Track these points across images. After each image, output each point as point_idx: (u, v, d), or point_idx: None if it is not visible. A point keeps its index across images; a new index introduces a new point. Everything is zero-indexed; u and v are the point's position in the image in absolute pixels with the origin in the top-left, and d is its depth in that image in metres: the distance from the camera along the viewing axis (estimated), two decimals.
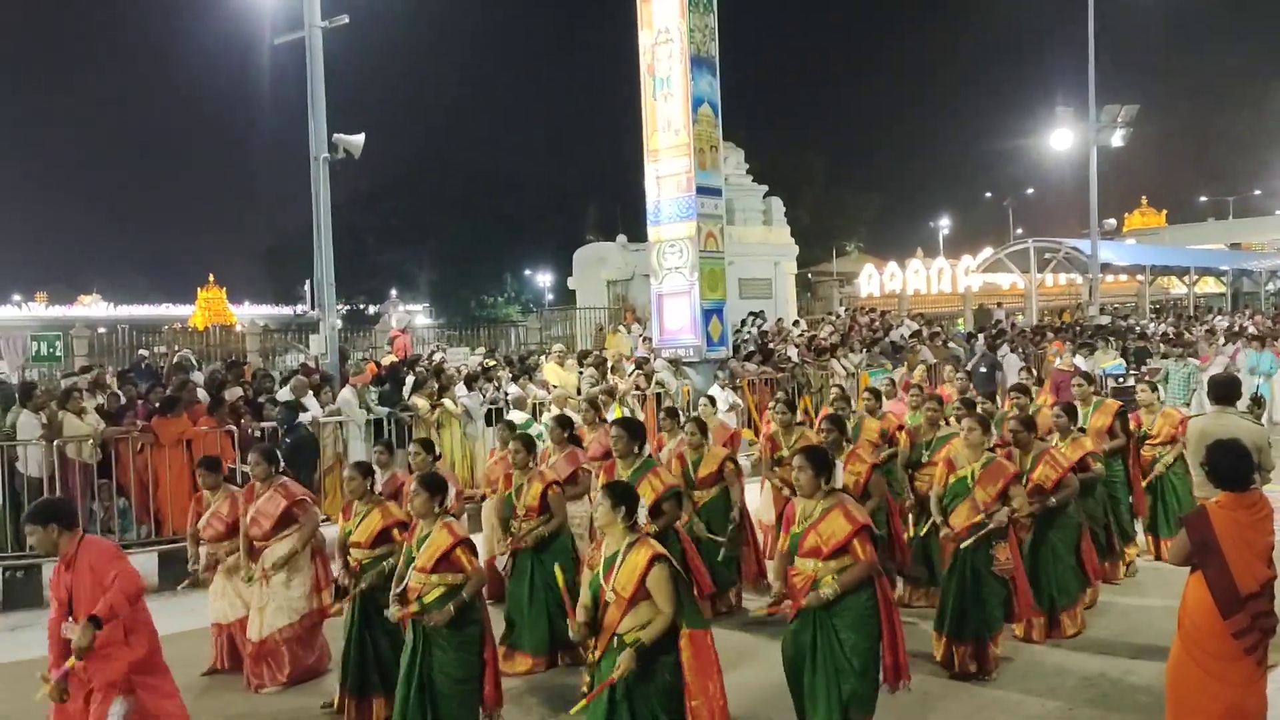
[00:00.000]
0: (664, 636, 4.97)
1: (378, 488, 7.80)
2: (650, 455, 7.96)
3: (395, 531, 6.78)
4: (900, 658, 5.65)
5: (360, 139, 13.98)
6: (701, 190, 16.47)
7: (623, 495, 5.22)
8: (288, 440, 11.27)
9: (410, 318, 29.55)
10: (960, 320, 33.44)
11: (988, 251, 37.80)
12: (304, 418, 12.23)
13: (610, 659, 5.02)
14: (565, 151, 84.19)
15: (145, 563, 11.05)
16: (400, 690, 5.83)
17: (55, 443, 10.94)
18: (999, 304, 33.97)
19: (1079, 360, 16.01)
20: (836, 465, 5.77)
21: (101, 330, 24.94)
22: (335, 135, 14.05)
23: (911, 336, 21.96)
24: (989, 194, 67.87)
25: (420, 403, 12.90)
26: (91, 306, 72.94)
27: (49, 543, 5.42)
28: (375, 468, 8.49)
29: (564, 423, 9.04)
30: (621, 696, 4.96)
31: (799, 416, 9.81)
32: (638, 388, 14.92)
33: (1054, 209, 58.20)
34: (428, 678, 5.74)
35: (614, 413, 12.57)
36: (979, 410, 8.86)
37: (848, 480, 8.10)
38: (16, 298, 75.55)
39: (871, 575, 5.60)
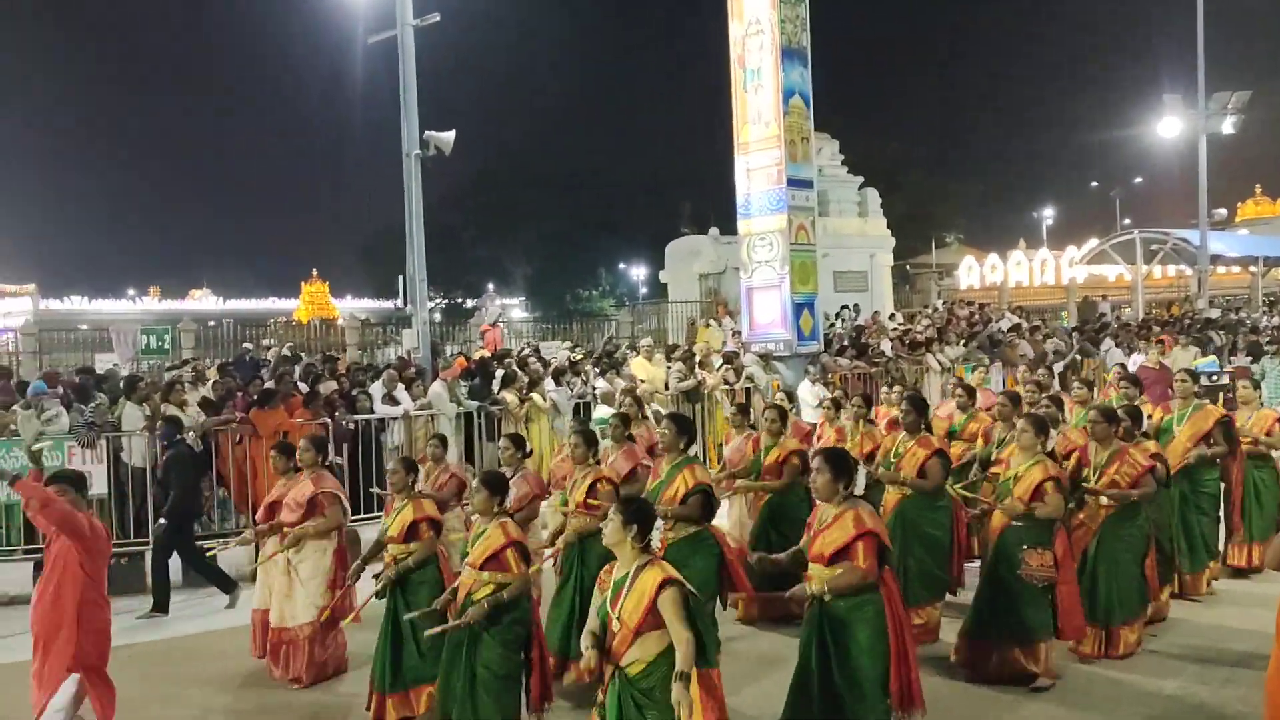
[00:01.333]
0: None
1: (422, 483, 7.93)
2: (694, 454, 7.63)
3: (423, 526, 6.89)
4: (910, 683, 5.39)
5: (450, 136, 14.14)
6: (792, 182, 16.29)
7: (635, 512, 4.79)
8: (165, 455, 10.41)
9: (501, 312, 29.85)
10: (1064, 313, 32.62)
11: (1093, 242, 36.82)
12: (395, 410, 12.44)
13: (613, 694, 4.66)
14: (659, 144, 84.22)
15: (246, 552, 11.39)
16: (442, 680, 5.90)
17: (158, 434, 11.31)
18: (1104, 297, 33.05)
19: (1137, 357, 15.41)
20: (859, 470, 5.57)
21: (211, 324, 25.68)
22: (426, 132, 14.24)
23: (1010, 330, 21.48)
24: (1095, 183, 65.86)
25: (509, 397, 13.02)
26: (202, 300, 75.35)
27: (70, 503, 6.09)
28: (430, 461, 8.67)
29: (625, 420, 9.01)
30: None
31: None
32: (726, 382, 14.84)
33: (1163, 198, 56.33)
34: (471, 670, 5.74)
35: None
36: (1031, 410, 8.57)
37: (908, 464, 7.94)
38: (131, 291, 78.26)
39: (872, 586, 5.36)
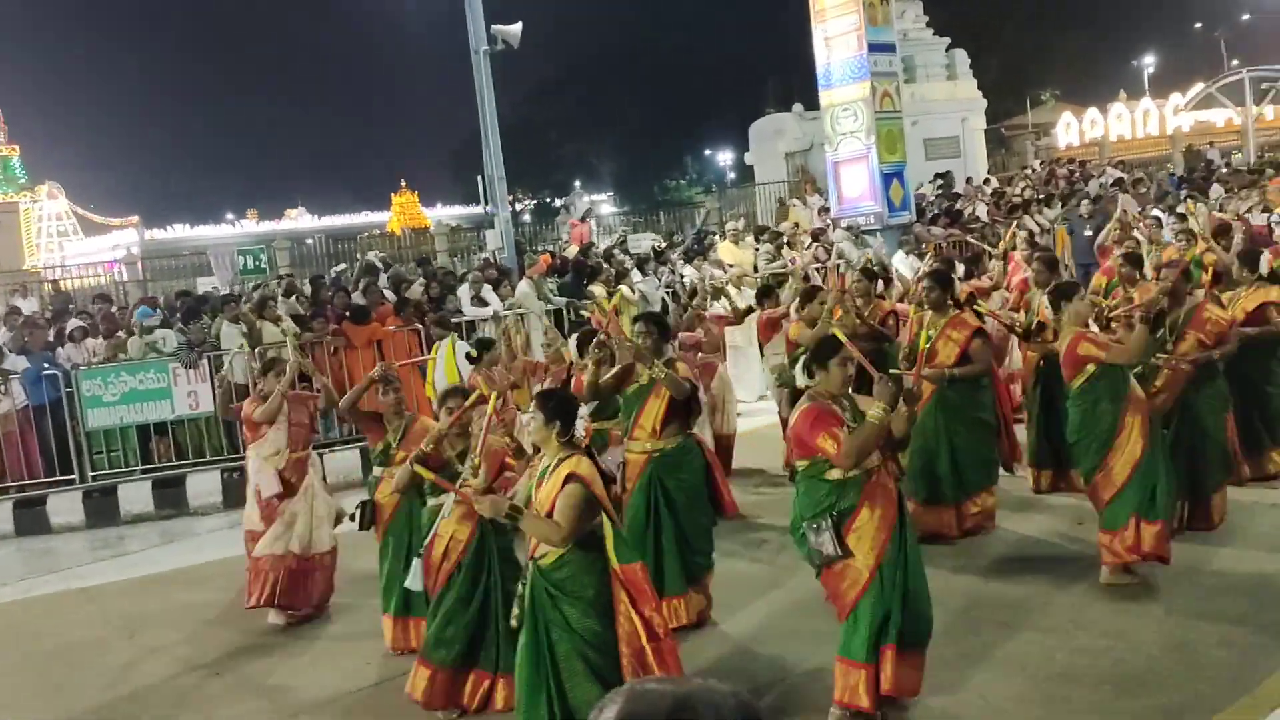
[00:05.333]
0: (593, 571, 4.58)
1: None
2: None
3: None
4: None
5: (517, 28, 13.85)
6: (873, 47, 15.70)
7: (557, 409, 4.71)
8: None
9: (589, 207, 29.69)
10: (1169, 165, 31.19)
11: (1198, 87, 35.02)
12: (484, 312, 12.47)
13: (528, 586, 4.67)
14: (740, 25, 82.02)
15: (349, 458, 11.67)
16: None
17: (256, 349, 11.53)
18: (1211, 144, 31.44)
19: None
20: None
21: (309, 241, 25.99)
22: (493, 26, 13.95)
23: (1112, 185, 20.60)
24: (1198, 24, 62.14)
25: (597, 290, 12.94)
26: (297, 219, 76.33)
27: None
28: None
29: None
30: (545, 635, 4.59)
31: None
32: (816, 260, 14.53)
33: (1273, 35, 52.85)
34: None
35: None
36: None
37: (942, 346, 7.31)
38: (230, 216, 79.77)
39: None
